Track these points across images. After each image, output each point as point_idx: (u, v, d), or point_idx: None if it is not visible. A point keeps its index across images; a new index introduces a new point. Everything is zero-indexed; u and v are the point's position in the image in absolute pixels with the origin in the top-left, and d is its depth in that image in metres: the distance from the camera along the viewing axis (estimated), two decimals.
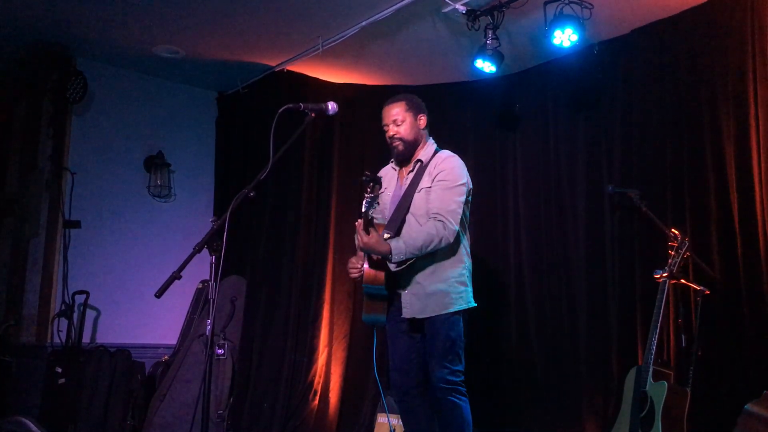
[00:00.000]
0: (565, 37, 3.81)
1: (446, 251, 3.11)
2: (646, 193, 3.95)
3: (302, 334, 4.92)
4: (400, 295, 3.14)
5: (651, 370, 3.33)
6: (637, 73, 4.24)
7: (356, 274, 3.16)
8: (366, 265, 3.05)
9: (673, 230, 3.64)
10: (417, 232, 3.02)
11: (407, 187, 3.19)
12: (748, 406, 2.84)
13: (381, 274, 3.05)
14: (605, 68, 4.38)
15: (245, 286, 5.09)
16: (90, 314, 4.85)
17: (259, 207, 5.06)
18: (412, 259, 3.03)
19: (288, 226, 5.07)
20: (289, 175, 5.06)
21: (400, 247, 2.94)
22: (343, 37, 4.47)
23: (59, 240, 4.84)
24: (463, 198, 3.14)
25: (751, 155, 3.58)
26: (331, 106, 2.83)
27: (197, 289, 5.24)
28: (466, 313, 3.15)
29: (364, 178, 2.94)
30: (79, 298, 4.73)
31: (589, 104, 4.52)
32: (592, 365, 4.26)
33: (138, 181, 5.29)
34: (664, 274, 3.48)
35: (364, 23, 4.28)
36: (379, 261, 3.04)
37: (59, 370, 4.45)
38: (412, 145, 3.22)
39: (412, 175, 3.21)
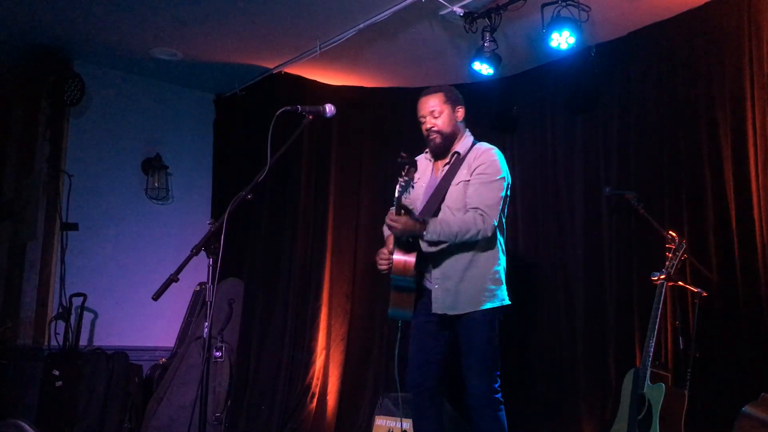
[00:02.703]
0: (562, 40, 3.82)
1: (482, 246, 3.01)
2: (644, 196, 3.95)
3: (300, 337, 4.92)
4: (429, 291, 3.06)
5: (649, 372, 3.33)
6: (635, 76, 4.24)
7: (385, 266, 3.04)
8: (395, 255, 2.93)
9: (670, 232, 3.64)
10: (454, 218, 2.93)
11: (442, 179, 3.09)
12: (746, 408, 2.83)
13: (410, 264, 2.93)
14: (602, 70, 4.38)
15: (243, 289, 5.09)
16: (87, 317, 4.85)
17: (256, 209, 5.06)
18: (444, 243, 2.95)
19: (285, 228, 5.06)
20: (287, 177, 5.06)
21: (435, 226, 2.86)
22: (340, 39, 4.47)
23: (56, 242, 4.84)
24: (503, 192, 3.04)
25: (748, 157, 3.58)
26: (329, 108, 2.82)
27: (195, 291, 5.24)
28: (501, 313, 3.05)
29: (399, 160, 2.86)
30: (77, 301, 4.73)
31: (586, 106, 4.51)
32: (590, 367, 4.26)
33: (135, 184, 5.29)
34: (662, 276, 3.48)
35: (361, 25, 4.28)
36: (410, 245, 2.93)
37: (56, 372, 4.44)
38: (450, 138, 3.13)
39: (447, 167, 3.12)
